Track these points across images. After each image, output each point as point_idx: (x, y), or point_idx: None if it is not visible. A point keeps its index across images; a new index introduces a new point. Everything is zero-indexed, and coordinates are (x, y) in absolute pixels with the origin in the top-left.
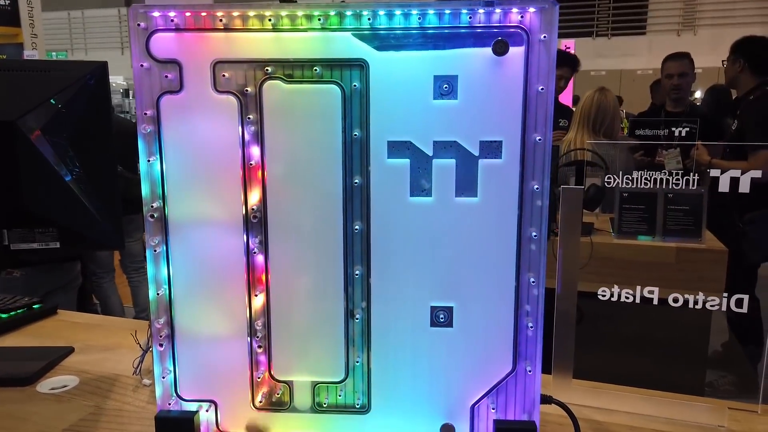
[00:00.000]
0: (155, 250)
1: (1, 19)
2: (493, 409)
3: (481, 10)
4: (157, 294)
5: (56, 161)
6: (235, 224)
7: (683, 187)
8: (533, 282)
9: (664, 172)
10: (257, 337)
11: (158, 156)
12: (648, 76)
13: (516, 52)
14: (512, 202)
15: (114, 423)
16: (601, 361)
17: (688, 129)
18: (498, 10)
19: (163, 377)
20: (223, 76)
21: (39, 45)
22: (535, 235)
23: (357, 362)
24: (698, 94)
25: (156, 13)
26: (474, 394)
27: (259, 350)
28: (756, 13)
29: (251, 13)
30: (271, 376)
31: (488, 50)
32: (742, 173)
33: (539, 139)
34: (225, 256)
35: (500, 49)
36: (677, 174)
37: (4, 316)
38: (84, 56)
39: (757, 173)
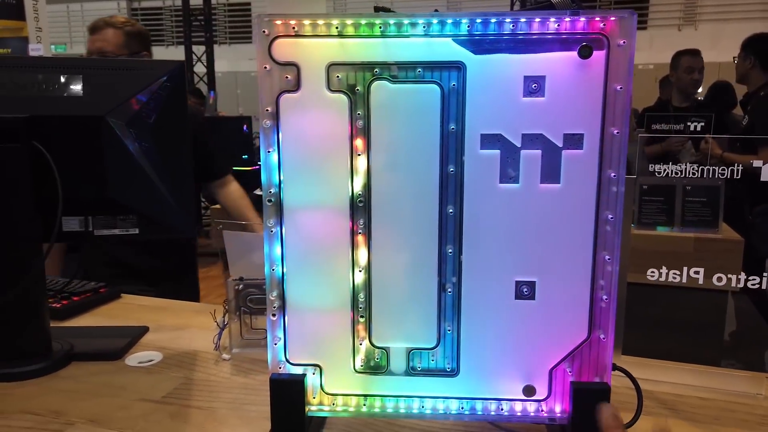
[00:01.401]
0: (271, 231)
1: (7, 13)
2: (570, 372)
3: (567, 19)
4: (272, 270)
5: (139, 153)
6: (342, 208)
7: (701, 179)
8: (608, 259)
9: (682, 165)
10: (359, 308)
11: (276, 147)
12: (649, 71)
13: (598, 55)
14: (591, 188)
15: (205, 392)
16: (645, 340)
17: (702, 123)
18: (582, 19)
19: (275, 344)
20: (337, 77)
21: (44, 39)
22: (611, 218)
23: (448, 330)
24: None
25: (278, 22)
26: (552, 359)
27: (361, 320)
28: (757, 8)
29: (363, 21)
30: (370, 342)
31: (573, 54)
32: (764, 163)
33: (616, 132)
34: (332, 237)
35: (585, 53)
36: (695, 166)
37: (76, 299)
38: (83, 50)
39: None
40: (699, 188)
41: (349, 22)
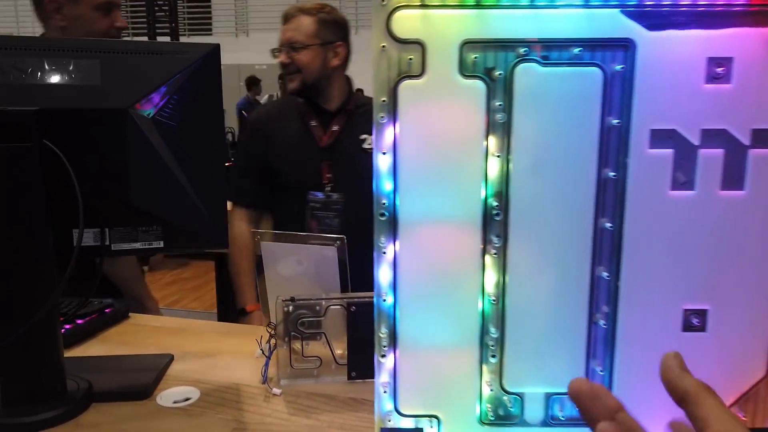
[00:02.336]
0: (383, 252)
1: None
2: (745, 417)
3: None
4: (382, 300)
5: (167, 153)
6: (472, 223)
7: None
8: None
9: None
10: (489, 345)
11: (392, 148)
12: None
13: None
14: None
15: None
16: None
17: None
18: None
19: (385, 391)
20: (474, 58)
21: None
22: None
23: (599, 371)
24: None
25: None
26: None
27: (492, 360)
28: None
29: None
30: (501, 387)
31: None
32: None
33: None
34: (458, 258)
35: None
36: None
37: (80, 322)
38: None
39: None
40: None
41: None
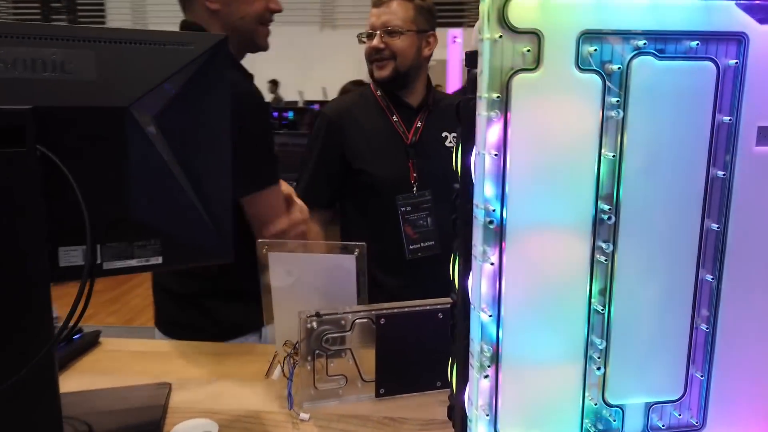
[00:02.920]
0: (490, 263)
1: None
2: None
3: None
4: (489, 316)
5: (169, 157)
6: (583, 227)
7: None
8: None
9: None
10: (595, 357)
11: (502, 148)
12: None
13: None
14: None
15: None
16: None
17: None
18: None
19: (487, 415)
20: (594, 50)
21: None
22: None
23: (699, 376)
24: None
25: None
26: None
27: (597, 373)
28: None
29: None
30: (603, 400)
31: None
32: None
33: None
34: (566, 266)
35: None
36: None
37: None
38: None
39: None
40: None
41: None
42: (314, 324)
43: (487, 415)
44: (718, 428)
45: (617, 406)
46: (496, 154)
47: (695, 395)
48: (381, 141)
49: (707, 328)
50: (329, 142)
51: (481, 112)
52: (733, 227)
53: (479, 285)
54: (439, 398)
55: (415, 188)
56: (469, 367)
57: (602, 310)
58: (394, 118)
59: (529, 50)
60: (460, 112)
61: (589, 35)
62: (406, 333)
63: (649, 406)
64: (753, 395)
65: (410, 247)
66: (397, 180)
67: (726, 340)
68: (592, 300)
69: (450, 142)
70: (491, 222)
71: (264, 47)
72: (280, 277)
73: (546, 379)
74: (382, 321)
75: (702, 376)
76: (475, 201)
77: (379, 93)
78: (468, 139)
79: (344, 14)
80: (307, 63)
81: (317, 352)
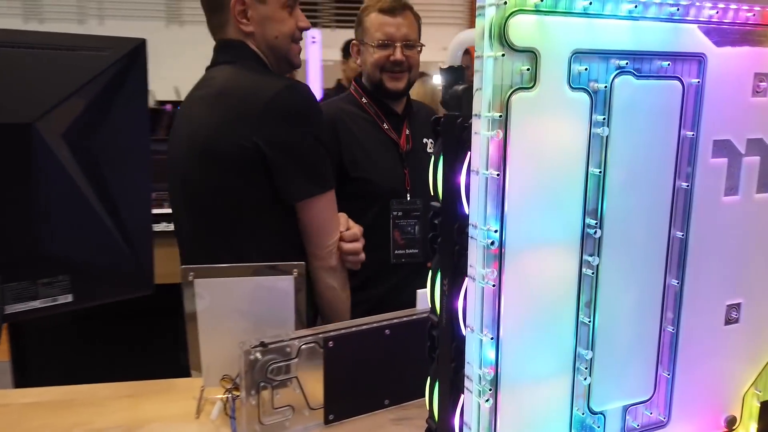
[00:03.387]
0: (491, 285)
1: None
2: (758, 392)
3: None
4: (489, 339)
5: (81, 179)
6: (572, 243)
7: None
8: None
9: None
10: (582, 367)
11: (502, 168)
12: None
13: None
14: None
15: None
16: None
17: None
18: None
19: None
20: (584, 69)
21: None
22: None
23: (666, 375)
24: None
25: None
26: (746, 384)
27: (584, 383)
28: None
29: None
30: (588, 408)
31: None
32: None
33: None
34: (557, 282)
35: None
36: None
37: None
38: None
39: None
40: None
41: None
42: (258, 354)
43: None
44: (680, 422)
45: (600, 413)
46: (498, 174)
47: (662, 393)
48: (378, 149)
49: (672, 329)
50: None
51: (481, 131)
52: (693, 234)
53: (481, 308)
54: (389, 416)
55: (408, 195)
56: (465, 391)
57: (588, 321)
58: (385, 125)
59: (528, 69)
60: (441, 128)
61: (580, 54)
62: (354, 353)
63: (626, 409)
64: (709, 389)
65: (395, 252)
66: (395, 188)
67: (686, 338)
68: (580, 312)
69: (430, 148)
70: (492, 243)
71: (297, 64)
72: (208, 305)
73: (539, 394)
74: (331, 344)
75: (668, 375)
76: (473, 222)
77: (364, 100)
78: (455, 158)
79: (191, 10)
80: (154, 61)
81: (262, 384)
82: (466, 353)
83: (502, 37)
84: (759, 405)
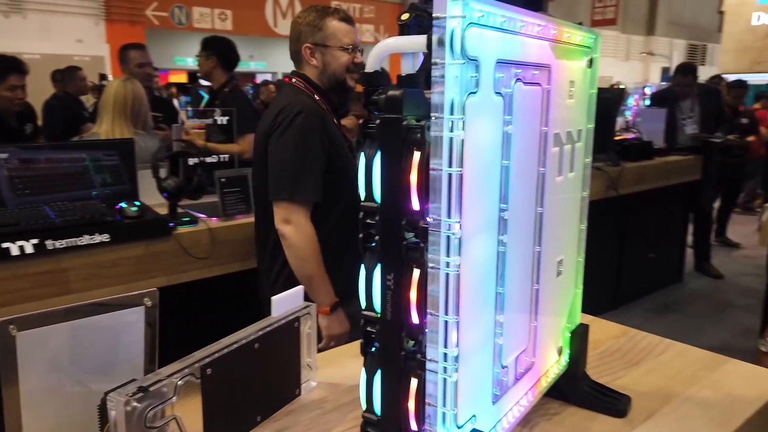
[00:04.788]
0: (456, 273)
1: None
2: (569, 324)
3: (580, 33)
4: (454, 320)
5: None
6: (494, 225)
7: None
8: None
9: None
10: (498, 332)
11: (459, 164)
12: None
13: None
14: (582, 175)
15: None
16: None
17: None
18: (586, 33)
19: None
20: (502, 76)
21: None
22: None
23: (534, 325)
24: None
25: (474, 5)
26: (564, 320)
27: (499, 342)
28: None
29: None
30: (501, 365)
31: (584, 63)
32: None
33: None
34: (486, 261)
35: (590, 64)
36: None
37: None
38: None
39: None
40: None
41: (519, 16)
42: (135, 404)
43: (454, 411)
44: (539, 360)
45: (505, 366)
46: (460, 171)
47: (532, 339)
48: (344, 142)
49: (537, 287)
50: (323, 139)
51: (444, 132)
52: (545, 208)
53: (445, 293)
54: None
55: None
56: (427, 373)
57: (501, 290)
58: (335, 121)
59: (474, 76)
60: (379, 130)
61: (499, 63)
62: (231, 375)
63: (517, 358)
64: (550, 329)
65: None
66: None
67: (542, 292)
68: (497, 284)
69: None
70: (453, 235)
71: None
72: (37, 362)
73: (478, 362)
74: (209, 371)
75: (535, 324)
76: (434, 216)
77: (317, 97)
78: (398, 158)
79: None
80: None
81: None
82: (426, 337)
83: (462, 48)
84: (569, 335)
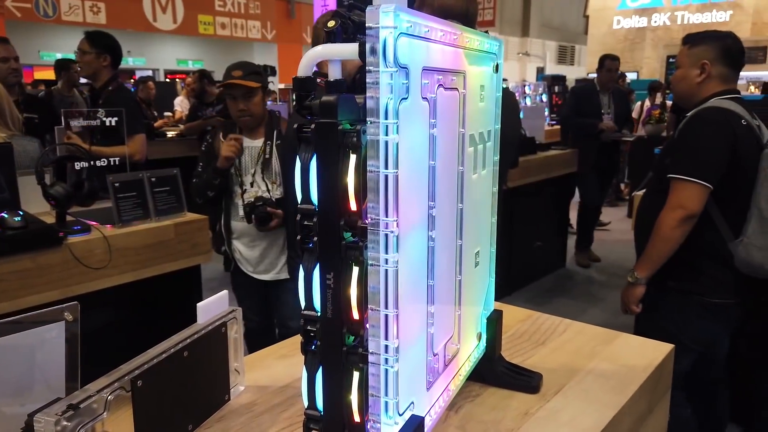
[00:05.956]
0: (394, 269)
1: None
2: (485, 311)
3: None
4: (394, 313)
5: None
6: (424, 222)
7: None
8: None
9: None
10: (429, 321)
11: (395, 166)
12: None
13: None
14: (491, 173)
15: None
16: None
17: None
18: (493, 40)
19: (395, 399)
20: (427, 83)
21: None
22: (495, 191)
23: (458, 313)
24: None
25: (404, 16)
26: (481, 307)
27: (432, 331)
28: None
29: (440, 27)
30: (432, 352)
31: (490, 68)
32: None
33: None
34: (419, 256)
35: (497, 69)
36: None
37: None
38: None
39: None
40: (161, 178)
41: (438, 26)
42: (65, 422)
43: (396, 400)
44: (463, 346)
45: (437, 354)
46: (395, 172)
47: (457, 327)
48: None
49: (460, 278)
50: None
51: (380, 136)
52: (465, 204)
53: (385, 289)
54: None
55: None
56: (369, 366)
57: (432, 283)
58: None
59: (404, 82)
60: (314, 135)
61: (425, 71)
62: (161, 385)
63: (445, 346)
64: (471, 317)
65: None
66: None
67: (464, 283)
68: (428, 277)
69: None
70: (392, 232)
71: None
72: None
73: (415, 352)
74: (140, 383)
75: (459, 312)
76: (373, 215)
77: None
78: (335, 161)
79: None
80: None
81: None
82: (367, 332)
83: (394, 56)
84: (486, 320)
